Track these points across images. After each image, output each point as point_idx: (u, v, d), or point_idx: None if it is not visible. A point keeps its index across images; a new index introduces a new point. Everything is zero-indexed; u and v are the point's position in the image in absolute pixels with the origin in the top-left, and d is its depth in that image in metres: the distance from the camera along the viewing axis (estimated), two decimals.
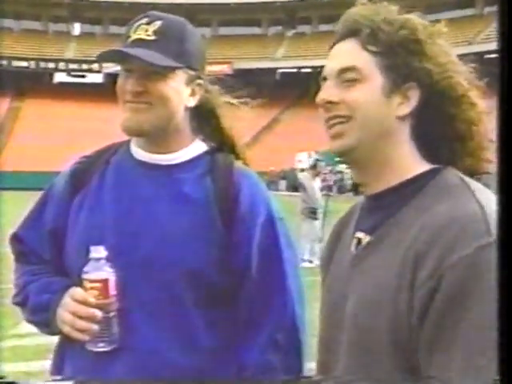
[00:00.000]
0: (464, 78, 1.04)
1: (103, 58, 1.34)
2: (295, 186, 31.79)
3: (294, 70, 45.10)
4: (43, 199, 1.47)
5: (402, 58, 1.02)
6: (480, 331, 0.86)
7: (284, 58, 44.52)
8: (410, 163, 1.04)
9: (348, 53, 1.05)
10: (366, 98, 1.02)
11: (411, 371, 0.93)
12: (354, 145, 1.03)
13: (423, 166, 1.04)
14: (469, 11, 41.00)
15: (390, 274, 0.96)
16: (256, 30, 47.56)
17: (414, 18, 1.05)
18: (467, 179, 1.01)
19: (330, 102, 1.04)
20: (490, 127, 0.98)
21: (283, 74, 45.92)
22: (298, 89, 42.10)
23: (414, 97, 1.03)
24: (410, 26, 1.03)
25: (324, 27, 45.67)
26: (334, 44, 1.09)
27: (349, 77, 1.03)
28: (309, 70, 45.40)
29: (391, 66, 1.02)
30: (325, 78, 1.07)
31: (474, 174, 1.04)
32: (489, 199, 0.95)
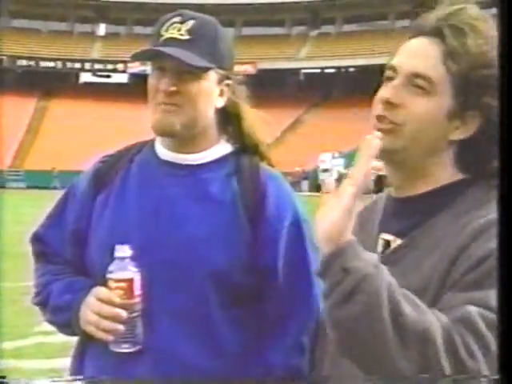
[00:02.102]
0: None
1: (139, 57, 1.34)
2: (317, 187, 31.72)
3: (318, 71, 44.96)
4: (65, 198, 1.46)
5: (476, 89, 0.98)
6: None
7: (307, 59, 44.38)
8: (447, 175, 1.03)
9: (426, 58, 1.00)
10: (429, 113, 0.99)
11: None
12: (398, 149, 1.01)
13: (459, 176, 1.03)
14: (491, 11, 40.41)
15: (421, 279, 0.95)
16: (279, 30, 47.51)
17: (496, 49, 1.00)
18: None
19: (391, 103, 1.00)
20: None
21: (307, 74, 45.79)
22: (322, 89, 41.96)
23: (473, 125, 1.00)
24: (490, 63, 0.96)
25: (347, 27, 45.48)
26: (414, 36, 1.03)
27: (420, 84, 0.99)
28: (332, 71, 45.24)
29: (464, 92, 0.98)
30: (394, 70, 1.02)
31: None
32: None
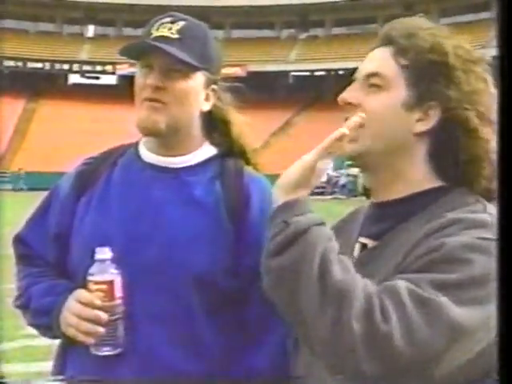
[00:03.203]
0: (482, 110, 1.03)
1: (126, 51, 1.34)
2: None
3: (307, 73, 45.07)
4: (47, 201, 1.45)
5: (427, 78, 1.02)
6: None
7: (297, 61, 44.47)
8: (423, 178, 1.05)
9: (378, 59, 1.06)
10: (385, 107, 1.03)
11: None
12: (365, 151, 1.04)
13: (435, 183, 1.05)
14: (483, 15, 40.76)
15: (389, 276, 0.97)
16: (269, 33, 47.55)
17: (449, 42, 1.03)
18: (481, 199, 1.02)
19: (349, 104, 1.05)
20: None
21: (296, 77, 45.88)
22: (311, 92, 42.07)
23: (434, 116, 1.03)
24: (440, 50, 1.02)
25: (337, 30, 45.63)
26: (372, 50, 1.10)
27: (373, 82, 1.04)
28: (322, 73, 45.35)
29: (417, 83, 1.02)
30: (354, 79, 1.09)
31: (488, 197, 1.03)
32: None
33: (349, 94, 1.06)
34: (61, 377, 1.36)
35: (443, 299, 0.89)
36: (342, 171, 26.23)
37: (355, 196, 25.75)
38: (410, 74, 1.02)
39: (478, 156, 1.03)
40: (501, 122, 0.72)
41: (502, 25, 0.72)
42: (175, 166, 1.37)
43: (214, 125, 1.42)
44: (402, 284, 0.91)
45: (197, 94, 1.35)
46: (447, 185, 1.04)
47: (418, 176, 1.05)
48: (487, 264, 0.89)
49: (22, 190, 22.13)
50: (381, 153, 1.04)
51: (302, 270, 0.91)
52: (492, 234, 0.91)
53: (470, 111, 1.02)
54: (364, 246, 1.09)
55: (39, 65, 44.57)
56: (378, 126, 1.03)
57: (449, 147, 1.03)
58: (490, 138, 1.02)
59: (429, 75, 1.02)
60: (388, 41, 1.06)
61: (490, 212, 0.97)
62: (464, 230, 0.94)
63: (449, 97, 1.01)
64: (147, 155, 1.40)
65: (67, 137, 36.37)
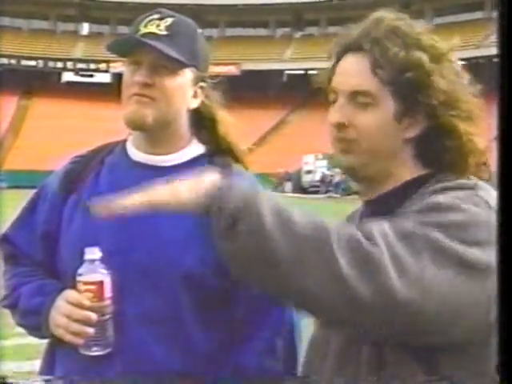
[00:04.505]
0: (464, 108, 1.05)
1: (114, 47, 1.33)
2: (301, 188, 31.85)
3: (302, 72, 45.09)
4: (34, 199, 1.44)
5: (410, 90, 1.03)
6: None
7: (291, 60, 44.50)
8: (408, 169, 1.07)
9: (359, 73, 1.05)
10: (377, 123, 1.04)
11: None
12: (359, 164, 1.05)
13: (419, 171, 1.07)
14: (477, 14, 40.89)
15: None
16: (263, 32, 47.55)
17: (420, 52, 1.03)
18: (461, 181, 1.04)
19: (341, 124, 1.05)
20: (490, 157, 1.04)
21: (290, 75, 45.87)
22: (306, 91, 42.11)
23: (422, 122, 1.05)
24: (415, 64, 1.03)
25: (331, 29, 45.64)
26: (339, 57, 1.09)
27: (362, 101, 1.04)
28: (316, 72, 45.26)
29: (401, 95, 1.04)
30: (335, 93, 1.08)
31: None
32: (489, 193, 0.99)
33: (338, 115, 1.05)
34: (59, 376, 1.35)
35: (436, 234, 0.90)
36: (337, 170, 26.26)
37: (349, 195, 25.84)
38: (393, 88, 1.04)
39: (464, 154, 1.05)
40: (501, 122, 0.72)
41: (502, 25, 0.71)
42: (163, 165, 1.37)
43: (202, 123, 1.42)
44: (384, 223, 0.92)
45: (185, 90, 1.35)
46: (430, 172, 1.06)
47: (407, 175, 1.07)
48: (482, 212, 0.93)
49: (1, 188, 22.06)
50: (372, 164, 1.05)
51: (259, 239, 0.88)
52: (484, 194, 0.96)
53: (453, 115, 1.04)
54: None
55: (33, 63, 44.41)
56: (371, 140, 1.04)
57: (435, 148, 1.05)
58: (475, 134, 1.05)
59: (410, 87, 1.03)
60: (359, 48, 1.06)
61: (479, 185, 1.01)
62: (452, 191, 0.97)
63: (432, 105, 1.03)
64: (135, 153, 1.39)
65: (61, 135, 36.27)
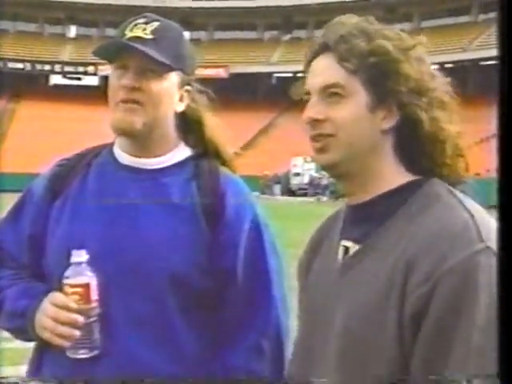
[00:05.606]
0: (436, 95, 1.05)
1: (100, 51, 1.33)
2: (290, 191, 31.87)
3: (290, 75, 45.19)
4: (20, 203, 1.43)
5: (379, 78, 1.03)
6: (479, 333, 0.87)
7: (280, 63, 44.54)
8: (395, 174, 1.06)
9: (327, 68, 1.06)
10: (352, 114, 1.04)
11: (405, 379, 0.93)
12: (339, 160, 1.05)
13: (407, 177, 1.06)
14: (463, 18, 41.21)
15: (379, 283, 0.97)
16: (252, 35, 47.60)
17: (385, 41, 1.04)
18: (452, 189, 1.03)
19: (316, 120, 1.05)
20: (464, 142, 1.07)
21: (279, 78, 45.95)
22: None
23: (396, 112, 1.04)
24: (380, 51, 1.03)
25: (320, 32, 45.75)
26: (310, 61, 1.10)
27: (333, 93, 1.04)
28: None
29: (371, 84, 1.04)
30: (308, 93, 1.09)
31: (451, 183, 1.06)
32: (475, 207, 0.99)
33: (313, 111, 1.06)
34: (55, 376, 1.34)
35: None
36: (324, 172, 26.31)
37: (337, 198, 25.81)
38: (362, 77, 1.03)
39: (438, 143, 1.05)
40: (501, 123, 0.72)
41: (502, 25, 0.72)
42: (150, 168, 1.37)
43: (189, 126, 1.42)
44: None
45: (172, 94, 1.35)
46: (421, 178, 1.05)
47: (389, 171, 1.06)
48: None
49: None
50: (352, 158, 1.05)
51: None
52: (477, 233, 0.93)
53: (424, 102, 1.03)
54: (346, 249, 1.09)
55: (20, 65, 44.15)
56: (348, 133, 1.04)
57: (410, 139, 1.05)
58: (447, 122, 1.05)
59: (379, 75, 1.03)
60: (325, 48, 1.07)
61: (466, 206, 0.99)
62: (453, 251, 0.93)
63: (401, 92, 1.03)
64: (122, 156, 1.39)
65: (49, 138, 36.07)
